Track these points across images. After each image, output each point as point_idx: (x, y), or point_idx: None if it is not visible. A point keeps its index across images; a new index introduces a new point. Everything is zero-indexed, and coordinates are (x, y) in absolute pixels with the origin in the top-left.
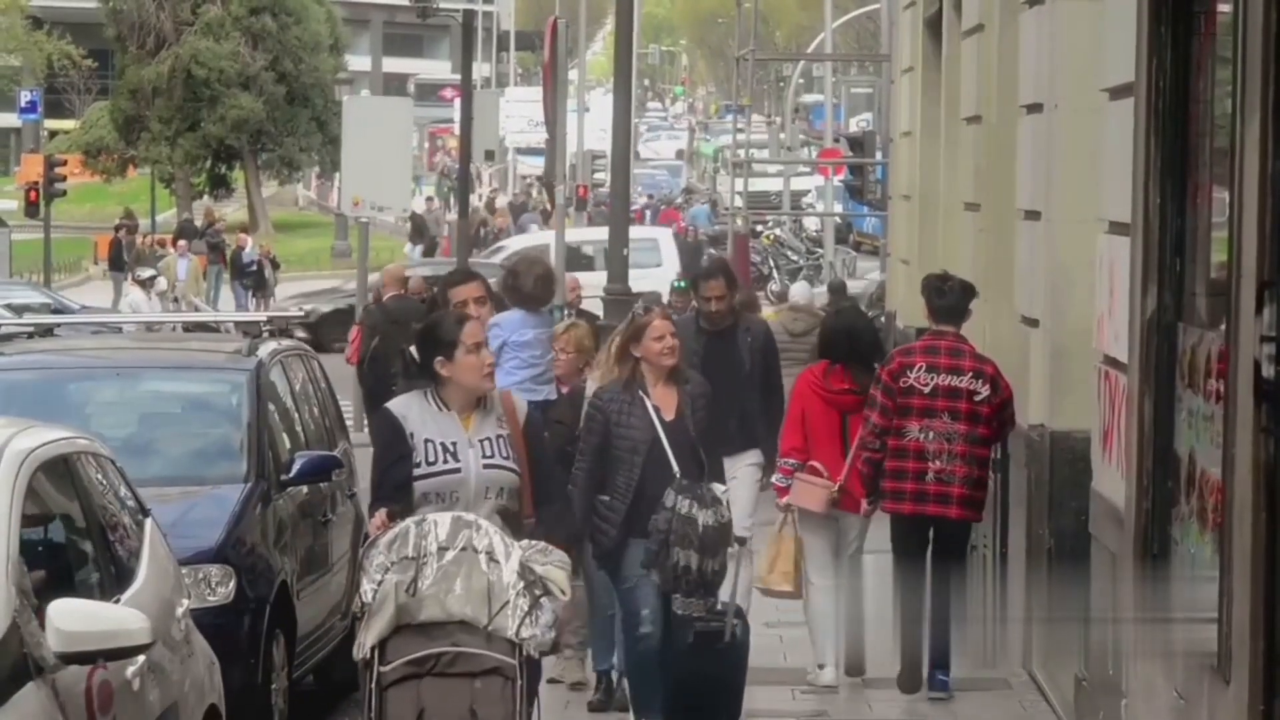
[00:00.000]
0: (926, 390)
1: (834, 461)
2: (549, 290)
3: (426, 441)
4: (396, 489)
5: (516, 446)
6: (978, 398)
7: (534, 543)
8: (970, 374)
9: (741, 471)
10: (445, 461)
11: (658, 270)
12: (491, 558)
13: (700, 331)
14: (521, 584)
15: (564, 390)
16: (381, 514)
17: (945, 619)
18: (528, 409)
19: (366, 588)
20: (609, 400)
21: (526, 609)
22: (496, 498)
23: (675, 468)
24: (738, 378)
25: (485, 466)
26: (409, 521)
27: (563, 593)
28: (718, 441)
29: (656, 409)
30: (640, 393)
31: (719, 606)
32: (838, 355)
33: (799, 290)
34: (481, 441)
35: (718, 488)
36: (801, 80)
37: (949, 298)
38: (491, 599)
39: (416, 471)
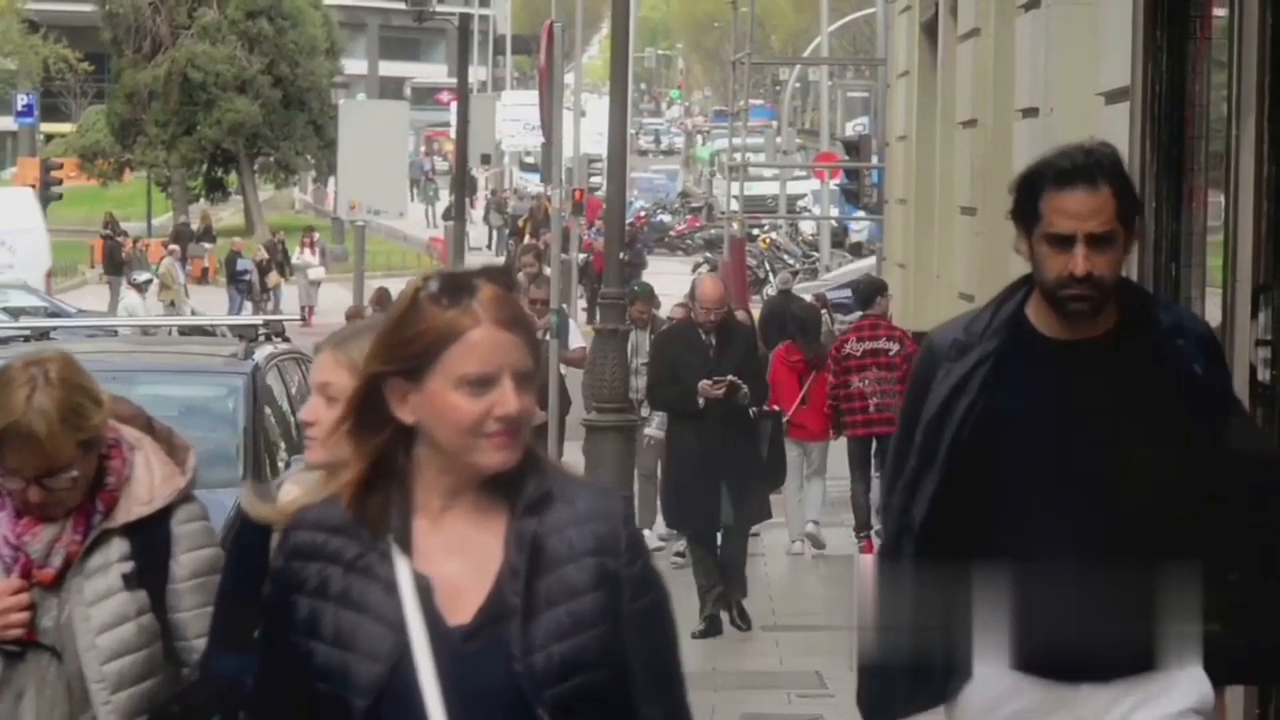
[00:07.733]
0: (859, 354)
1: (791, 402)
2: None
3: None
4: None
5: None
6: (891, 352)
7: None
8: (884, 339)
9: None
10: None
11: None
12: None
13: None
14: None
15: None
16: None
17: None
18: None
19: None
20: (316, 527)
21: None
22: None
23: None
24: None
25: None
26: None
27: None
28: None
29: (424, 583)
30: (389, 536)
31: None
32: (787, 336)
33: None
34: None
35: None
36: (798, 84)
37: (862, 294)
38: None
39: None
